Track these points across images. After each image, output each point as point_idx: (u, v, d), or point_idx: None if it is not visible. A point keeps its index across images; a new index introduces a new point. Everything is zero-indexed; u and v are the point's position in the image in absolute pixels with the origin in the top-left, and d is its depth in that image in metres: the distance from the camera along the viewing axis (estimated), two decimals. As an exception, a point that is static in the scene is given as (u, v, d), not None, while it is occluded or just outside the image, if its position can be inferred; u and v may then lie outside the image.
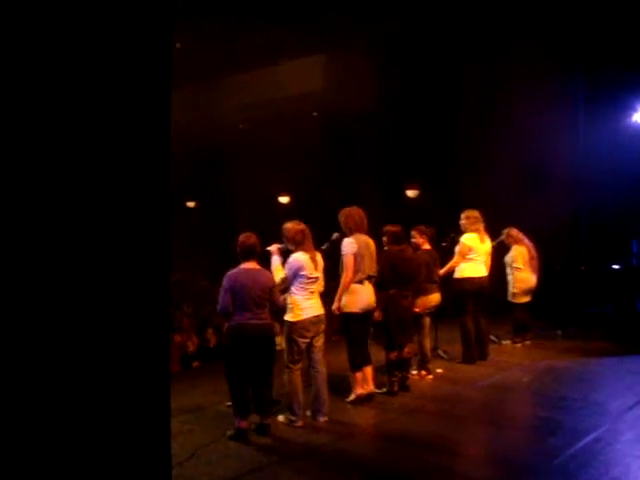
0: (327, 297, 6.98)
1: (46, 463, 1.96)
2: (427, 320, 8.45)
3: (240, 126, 17.75)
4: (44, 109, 1.95)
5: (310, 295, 6.47)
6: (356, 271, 6.93)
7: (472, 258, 9.10)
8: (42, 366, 1.94)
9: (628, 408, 6.80)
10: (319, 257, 6.63)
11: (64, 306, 1.98)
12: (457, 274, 9.18)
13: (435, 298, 8.43)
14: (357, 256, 6.93)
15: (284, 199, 19.20)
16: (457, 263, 9.11)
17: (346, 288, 6.92)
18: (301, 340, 6.43)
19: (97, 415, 2.05)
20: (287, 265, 6.49)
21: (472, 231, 9.15)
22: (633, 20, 11.58)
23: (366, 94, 14.43)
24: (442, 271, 8.91)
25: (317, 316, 6.50)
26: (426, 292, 8.23)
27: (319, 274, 6.56)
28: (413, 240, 8.50)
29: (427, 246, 8.55)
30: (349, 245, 6.95)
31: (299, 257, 6.46)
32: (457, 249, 9.21)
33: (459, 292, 9.13)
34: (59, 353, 1.97)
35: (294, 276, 6.42)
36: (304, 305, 6.43)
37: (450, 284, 9.13)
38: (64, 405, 1.99)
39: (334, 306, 6.97)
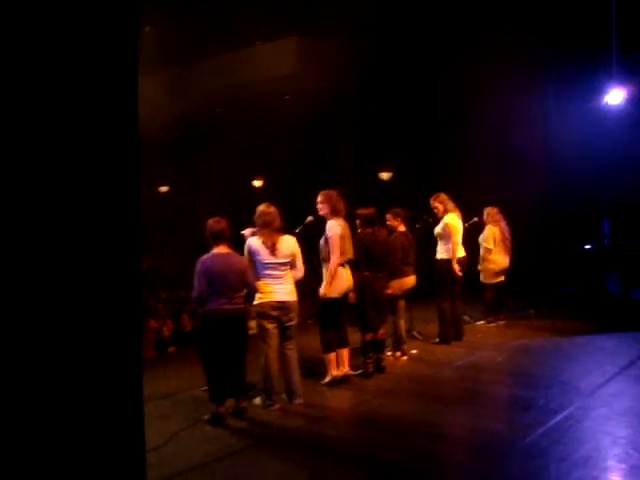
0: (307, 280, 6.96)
1: (15, 449, 1.96)
2: (402, 302, 8.50)
3: (217, 110, 17.61)
4: (8, 94, 1.93)
5: (272, 280, 6.43)
6: (341, 253, 6.94)
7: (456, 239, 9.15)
8: (10, 351, 1.94)
9: (599, 386, 6.91)
10: (285, 243, 6.51)
11: (32, 291, 1.97)
12: (442, 255, 9.19)
13: (411, 280, 8.47)
14: (341, 238, 6.95)
15: (258, 182, 19.16)
16: (457, 246, 9.12)
17: (335, 269, 6.91)
18: (266, 323, 6.43)
19: (67, 400, 2.05)
20: (245, 249, 6.51)
21: (451, 211, 9.16)
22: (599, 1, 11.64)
23: (340, 76, 14.40)
24: (454, 259, 8.93)
25: (281, 302, 6.45)
26: (402, 274, 8.27)
27: (281, 259, 6.46)
28: (388, 223, 8.52)
29: (402, 228, 8.57)
30: (335, 226, 6.96)
31: (251, 241, 6.46)
32: (442, 231, 9.15)
33: (442, 273, 9.15)
34: (27, 338, 1.96)
35: (253, 260, 6.42)
36: (266, 289, 6.41)
37: (430, 265, 9.16)
38: (33, 390, 1.98)
39: (323, 291, 6.97)
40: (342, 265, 7.00)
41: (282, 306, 6.46)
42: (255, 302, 6.40)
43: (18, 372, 1.94)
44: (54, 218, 2.01)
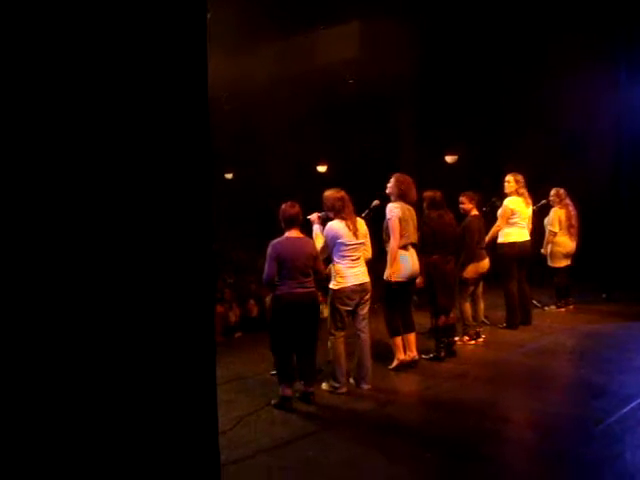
0: (374, 264, 6.96)
1: (95, 432, 2.00)
2: (480, 286, 8.46)
3: (281, 95, 17.63)
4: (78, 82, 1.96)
5: (352, 263, 6.46)
6: (401, 236, 6.91)
7: (516, 222, 9.00)
8: (90, 335, 1.98)
9: (675, 372, 6.72)
10: (361, 224, 6.61)
11: (110, 279, 2.00)
12: (501, 239, 9.08)
13: (486, 264, 8.37)
14: (402, 221, 6.91)
15: (322, 168, 19.14)
16: (500, 227, 9.01)
17: (395, 252, 6.88)
18: (343, 308, 6.45)
19: (145, 385, 2.08)
20: (324, 233, 6.50)
21: (518, 194, 9.05)
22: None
23: (403, 58, 14.25)
24: (487, 238, 8.81)
25: (361, 284, 6.49)
26: (477, 258, 8.21)
27: (361, 240, 6.53)
28: (462, 206, 8.42)
29: (475, 212, 8.43)
30: (394, 209, 6.93)
31: (335, 225, 6.46)
32: (500, 213, 9.10)
33: (503, 257, 9.05)
34: (106, 323, 2.00)
35: (333, 244, 6.43)
36: (346, 273, 6.43)
37: (494, 249, 9.04)
38: (111, 375, 2.02)
39: (387, 273, 6.94)
40: (405, 248, 6.95)
41: (361, 288, 6.49)
42: (335, 287, 6.43)
43: (98, 356, 1.98)
44: (130, 204, 2.03)
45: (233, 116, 16.17)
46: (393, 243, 6.88)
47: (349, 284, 6.42)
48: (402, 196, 7.03)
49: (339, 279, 6.42)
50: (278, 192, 11.19)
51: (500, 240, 9.09)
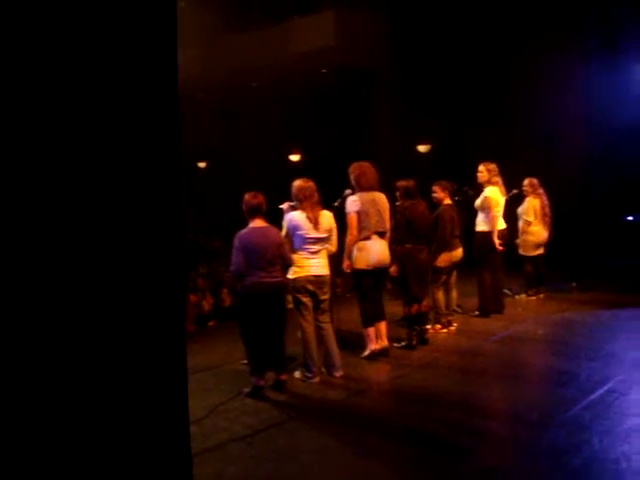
0: (339, 255, 7.00)
1: (65, 424, 1.99)
2: (453, 275, 8.50)
3: (253, 84, 17.57)
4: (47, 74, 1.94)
5: (310, 255, 6.46)
6: (361, 228, 6.93)
7: (497, 211, 9.07)
8: (59, 323, 1.97)
9: (643, 359, 6.81)
10: (324, 217, 6.56)
11: (80, 269, 1.99)
12: (481, 227, 9.12)
13: (459, 253, 8.41)
14: (361, 213, 6.92)
15: (295, 157, 19.10)
16: (496, 219, 9.06)
17: (351, 246, 6.95)
18: (302, 297, 6.46)
19: (114, 373, 2.07)
20: (285, 223, 6.51)
21: (492, 183, 9.07)
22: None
23: (377, 48, 14.27)
24: (495, 239, 8.86)
25: (318, 276, 6.49)
26: (450, 247, 8.24)
27: (322, 234, 6.51)
28: (434, 195, 8.45)
29: (448, 201, 8.45)
30: (352, 203, 6.97)
31: (295, 216, 6.47)
32: (481, 204, 9.09)
33: (483, 245, 9.07)
34: (75, 312, 1.99)
35: (292, 234, 6.45)
36: (303, 263, 6.44)
37: (472, 238, 9.08)
38: (81, 363, 2.01)
39: (344, 264, 7.01)
40: (368, 238, 6.97)
41: (318, 280, 6.50)
42: (291, 276, 6.44)
43: (66, 344, 1.98)
44: (98, 195, 2.02)
45: (206, 105, 16.13)
46: (349, 237, 6.96)
47: (304, 274, 6.43)
48: (359, 185, 7.04)
49: (296, 268, 6.44)
50: (251, 180, 11.18)
51: (480, 228, 9.12)
